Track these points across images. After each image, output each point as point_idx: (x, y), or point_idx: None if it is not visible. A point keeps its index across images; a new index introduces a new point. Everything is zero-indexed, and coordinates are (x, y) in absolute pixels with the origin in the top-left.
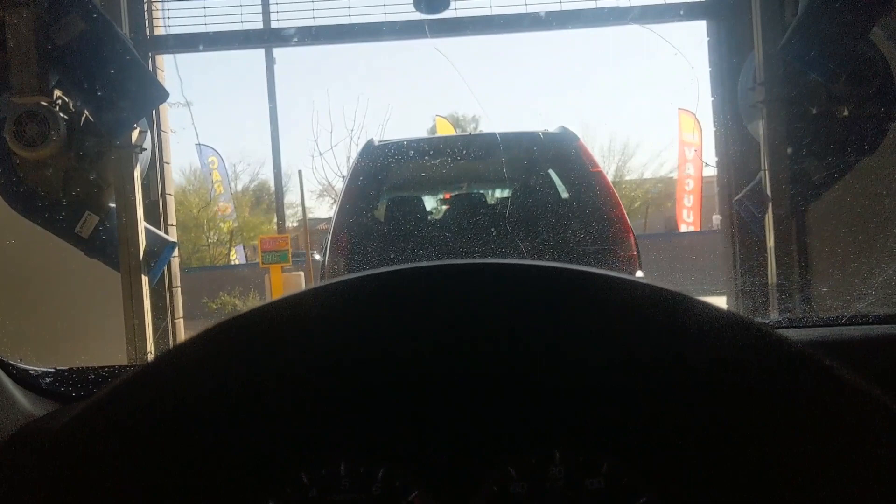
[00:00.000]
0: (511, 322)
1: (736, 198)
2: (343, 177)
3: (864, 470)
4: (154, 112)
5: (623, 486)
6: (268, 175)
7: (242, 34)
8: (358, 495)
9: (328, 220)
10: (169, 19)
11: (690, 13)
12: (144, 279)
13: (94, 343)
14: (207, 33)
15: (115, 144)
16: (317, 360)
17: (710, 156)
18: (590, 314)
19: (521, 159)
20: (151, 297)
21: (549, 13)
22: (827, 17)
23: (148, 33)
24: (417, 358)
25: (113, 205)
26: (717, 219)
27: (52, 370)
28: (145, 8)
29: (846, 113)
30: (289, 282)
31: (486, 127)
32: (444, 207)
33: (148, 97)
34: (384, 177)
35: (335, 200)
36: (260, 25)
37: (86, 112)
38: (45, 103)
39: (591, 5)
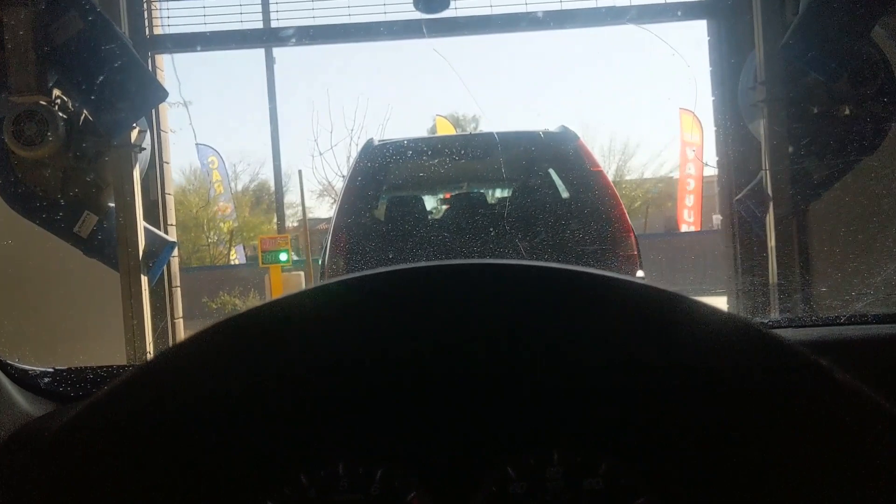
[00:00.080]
0: (510, 322)
1: (737, 197)
2: (343, 177)
3: (862, 471)
4: (153, 112)
5: (621, 486)
6: (268, 175)
7: (242, 34)
8: (356, 496)
9: (328, 220)
10: (168, 19)
11: (690, 13)
12: (144, 279)
13: (92, 343)
14: (207, 33)
15: (113, 144)
16: (315, 361)
17: (711, 155)
18: (589, 315)
19: (522, 159)
20: (151, 296)
21: (548, 13)
22: (828, 16)
23: (147, 33)
24: (416, 358)
25: (112, 204)
26: (717, 219)
27: (51, 370)
28: (144, 7)
29: (847, 112)
30: (289, 281)
31: (486, 127)
32: (444, 207)
33: (147, 97)
34: (384, 176)
35: (335, 200)
36: (260, 25)
37: (85, 112)
38: (43, 103)
39: (591, 5)
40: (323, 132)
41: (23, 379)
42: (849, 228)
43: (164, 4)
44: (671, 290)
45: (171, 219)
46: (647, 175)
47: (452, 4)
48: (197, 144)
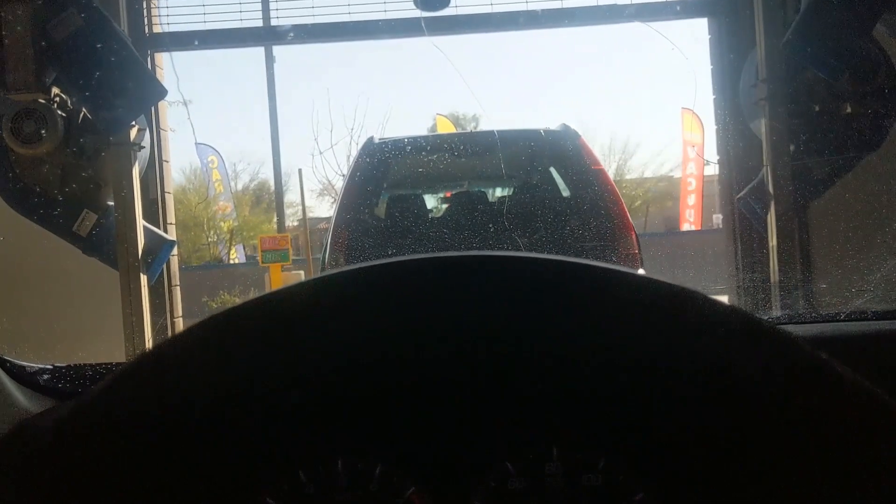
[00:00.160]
0: (511, 316)
1: (738, 195)
2: (343, 175)
3: (864, 468)
4: (153, 110)
5: (620, 482)
6: (268, 174)
7: (242, 32)
8: (355, 493)
9: (328, 219)
10: (168, 17)
11: (691, 10)
12: (143, 277)
13: (92, 341)
14: (207, 31)
15: (112, 142)
16: (314, 357)
17: (712, 154)
18: (592, 308)
19: (522, 157)
20: (150, 295)
21: (548, 10)
22: (829, 13)
23: (147, 31)
24: (415, 354)
25: (111, 203)
26: (717, 217)
27: (50, 367)
28: (144, 5)
29: (848, 110)
30: (289, 280)
31: (486, 125)
32: (445, 205)
33: (146, 94)
34: (384, 174)
35: (335, 199)
36: (259, 23)
37: (83, 109)
38: (42, 100)
39: (592, 3)
40: (323, 131)
41: (22, 376)
42: (850, 226)
43: (164, 2)
44: (676, 284)
45: (171, 217)
46: (648, 174)
47: (453, 2)
48: (196, 144)
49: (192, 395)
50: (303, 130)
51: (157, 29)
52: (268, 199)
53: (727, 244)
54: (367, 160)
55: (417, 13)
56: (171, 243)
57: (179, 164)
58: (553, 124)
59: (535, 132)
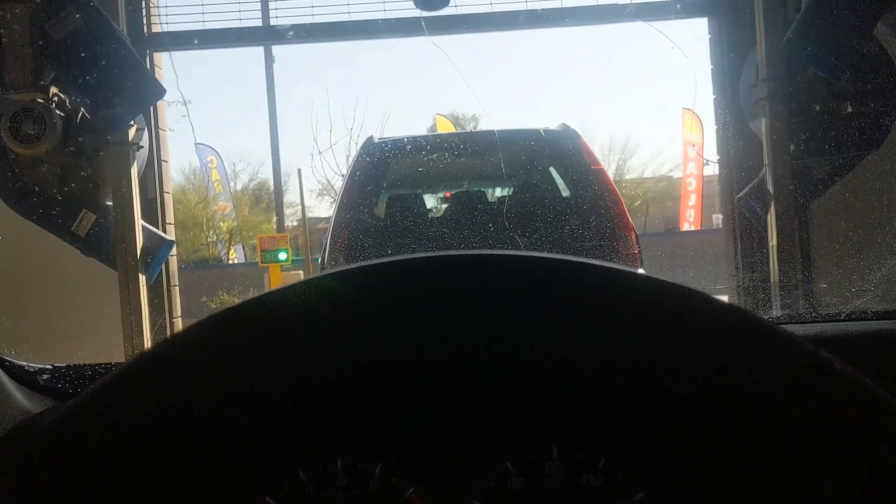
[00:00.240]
0: (510, 315)
1: (738, 195)
2: (343, 175)
3: (864, 468)
4: (152, 110)
5: (620, 482)
6: (267, 174)
7: (241, 31)
8: (355, 493)
9: (327, 219)
10: (167, 16)
11: (691, 10)
12: (142, 277)
13: (91, 341)
14: (206, 30)
15: (111, 141)
16: (314, 357)
17: (712, 154)
18: (592, 307)
19: (522, 156)
20: (149, 295)
21: (548, 10)
22: (830, 13)
23: (145, 30)
24: (415, 353)
25: (110, 203)
26: (717, 217)
27: (49, 367)
28: (143, 4)
29: (849, 109)
30: (288, 280)
31: (486, 125)
32: (445, 205)
33: (145, 94)
34: (384, 174)
35: (335, 199)
36: (259, 23)
37: (82, 109)
38: (40, 100)
39: (592, 2)
40: (322, 131)
41: (21, 375)
42: (850, 225)
43: (163, 1)
44: (677, 283)
45: (170, 217)
46: (648, 174)
47: (452, 2)
48: (196, 144)
49: (191, 395)
50: (302, 130)
51: (156, 28)
52: (267, 198)
53: (727, 244)
54: (367, 160)
55: (417, 13)
56: (170, 243)
57: (178, 164)
58: (553, 124)
59: (535, 132)
